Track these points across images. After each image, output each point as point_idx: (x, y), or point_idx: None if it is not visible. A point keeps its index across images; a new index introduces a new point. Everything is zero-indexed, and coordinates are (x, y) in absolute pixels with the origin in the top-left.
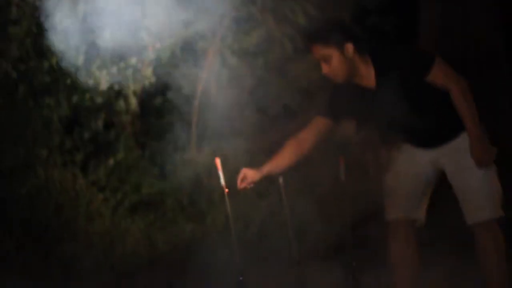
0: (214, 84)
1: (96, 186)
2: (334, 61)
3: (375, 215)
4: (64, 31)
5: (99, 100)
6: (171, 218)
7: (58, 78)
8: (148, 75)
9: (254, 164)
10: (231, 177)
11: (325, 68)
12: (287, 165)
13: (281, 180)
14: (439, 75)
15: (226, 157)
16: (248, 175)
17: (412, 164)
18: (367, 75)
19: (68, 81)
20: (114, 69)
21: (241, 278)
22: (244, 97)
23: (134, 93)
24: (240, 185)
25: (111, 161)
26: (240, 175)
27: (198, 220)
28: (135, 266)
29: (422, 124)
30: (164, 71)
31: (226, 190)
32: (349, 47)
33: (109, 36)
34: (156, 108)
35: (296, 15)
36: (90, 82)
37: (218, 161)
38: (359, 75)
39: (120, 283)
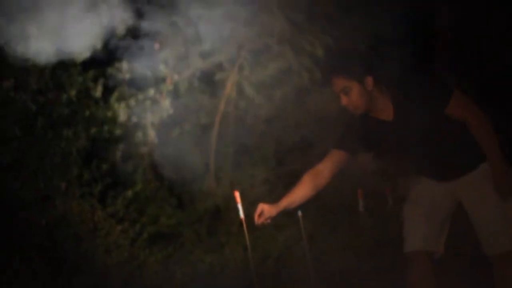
0: (232, 115)
1: (115, 217)
2: (354, 94)
3: (393, 245)
4: (82, 63)
5: (117, 132)
6: (189, 250)
7: (77, 110)
8: (166, 107)
9: (272, 194)
10: (248, 207)
11: (344, 100)
12: (304, 198)
13: (300, 213)
14: (457, 108)
15: (244, 189)
16: (266, 210)
17: (430, 196)
18: (385, 108)
19: (87, 112)
20: (132, 101)
21: None
22: (262, 128)
23: (152, 124)
24: (258, 220)
25: (129, 193)
26: (258, 210)
27: (217, 251)
28: None
29: (440, 156)
30: (182, 102)
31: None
32: (370, 80)
33: (128, 67)
34: (174, 139)
35: (313, 47)
36: (109, 114)
37: (237, 194)
38: (377, 108)
39: None
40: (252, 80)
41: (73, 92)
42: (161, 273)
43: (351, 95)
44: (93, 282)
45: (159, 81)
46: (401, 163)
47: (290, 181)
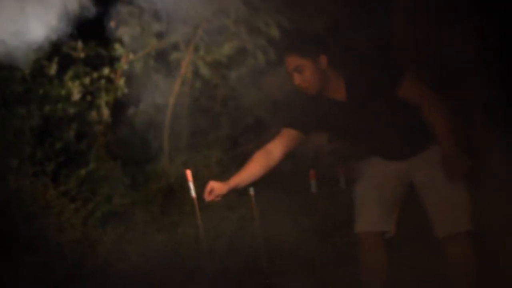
0: (187, 95)
1: (67, 196)
2: (307, 72)
3: (346, 227)
4: (36, 41)
5: (71, 110)
6: (142, 229)
7: (31, 88)
8: (120, 86)
9: (226, 175)
10: (202, 187)
11: (297, 79)
12: (254, 177)
13: (252, 191)
14: (409, 90)
15: (198, 169)
16: (215, 188)
17: (382, 176)
18: (338, 89)
19: (41, 91)
20: (86, 80)
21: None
22: (217, 109)
23: (107, 103)
24: (208, 197)
25: (82, 172)
26: (207, 188)
27: (170, 231)
28: (106, 277)
29: (392, 137)
30: (137, 82)
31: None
32: (323, 59)
33: (83, 46)
34: (128, 119)
35: (269, 28)
36: (63, 92)
37: (189, 173)
38: (330, 88)
39: None
40: (208, 60)
41: (27, 70)
42: (113, 252)
43: (305, 73)
44: (46, 261)
45: (114, 60)
46: (354, 144)
47: (244, 162)
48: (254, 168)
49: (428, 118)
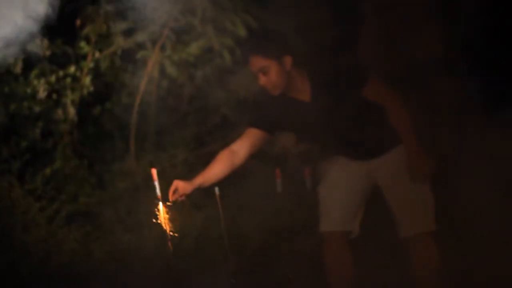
0: (153, 95)
1: (33, 195)
2: (272, 73)
3: (312, 228)
4: (2, 38)
5: (37, 108)
6: (108, 229)
7: None
8: (86, 84)
9: (191, 174)
10: (168, 187)
11: (262, 80)
12: (219, 176)
13: (217, 191)
14: (373, 91)
15: (164, 168)
16: (180, 187)
17: (346, 177)
18: (303, 89)
19: (6, 89)
20: (52, 78)
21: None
22: (183, 108)
23: (73, 102)
24: (172, 197)
25: (48, 170)
26: (172, 187)
27: (135, 231)
28: (72, 276)
29: (356, 137)
30: (103, 80)
31: (161, 201)
32: (288, 60)
33: (49, 44)
34: (94, 118)
35: (236, 27)
36: (28, 90)
37: (154, 172)
38: (295, 88)
39: None
40: (175, 59)
41: None
42: (79, 252)
43: (269, 74)
44: (11, 260)
45: (80, 58)
46: (318, 143)
47: (210, 162)
48: (218, 167)
49: (391, 118)
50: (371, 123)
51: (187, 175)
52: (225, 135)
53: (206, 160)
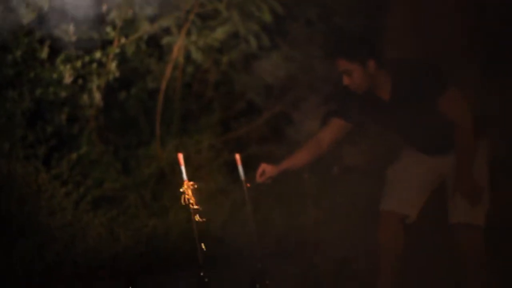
0: (178, 80)
1: (59, 180)
2: (356, 76)
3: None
4: (29, 24)
5: (62, 94)
6: (133, 213)
7: (22, 71)
8: (112, 70)
9: (217, 160)
10: (194, 173)
11: (346, 80)
12: (303, 162)
13: (242, 176)
14: (449, 105)
15: (190, 154)
16: (267, 170)
17: (415, 165)
18: (384, 87)
19: (32, 74)
20: (78, 63)
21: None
22: (209, 93)
23: (98, 87)
24: (259, 179)
25: (73, 156)
26: (259, 170)
27: (161, 215)
28: (97, 261)
29: (427, 135)
30: (129, 66)
31: (191, 184)
32: (372, 64)
33: (75, 29)
34: (120, 103)
35: (262, 12)
36: (54, 75)
37: (181, 157)
38: (376, 86)
39: (82, 277)
40: (200, 44)
41: (18, 53)
42: (104, 236)
43: (353, 76)
44: (37, 244)
45: (106, 43)
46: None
47: (236, 147)
48: (305, 154)
49: (456, 139)
50: (441, 124)
51: (213, 161)
52: (250, 120)
53: (231, 146)
